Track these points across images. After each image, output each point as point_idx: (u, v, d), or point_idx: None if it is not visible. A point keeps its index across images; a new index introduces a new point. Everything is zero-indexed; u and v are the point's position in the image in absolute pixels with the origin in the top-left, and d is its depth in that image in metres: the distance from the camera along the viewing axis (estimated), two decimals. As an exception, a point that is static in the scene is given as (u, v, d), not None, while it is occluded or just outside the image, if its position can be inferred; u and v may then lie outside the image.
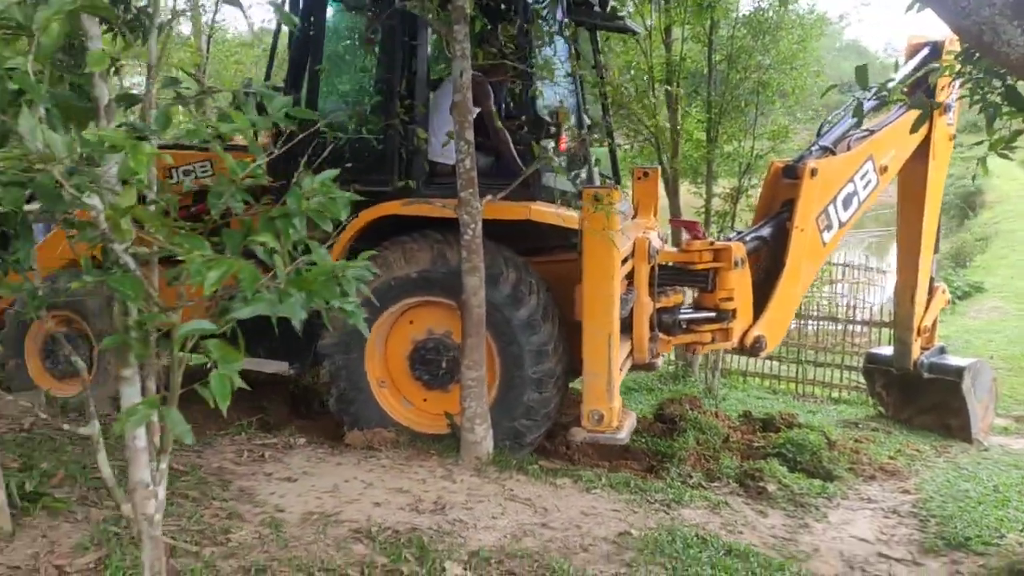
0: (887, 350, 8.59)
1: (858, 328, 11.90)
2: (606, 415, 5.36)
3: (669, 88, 10.00)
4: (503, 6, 5.51)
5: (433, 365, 5.78)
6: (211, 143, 1.80)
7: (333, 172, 1.87)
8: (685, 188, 11.02)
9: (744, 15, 10.11)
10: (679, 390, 9.29)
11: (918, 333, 7.81)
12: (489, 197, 5.24)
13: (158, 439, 2.15)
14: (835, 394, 10.91)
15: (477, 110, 5.29)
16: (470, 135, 5.09)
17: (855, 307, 12.41)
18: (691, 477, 5.78)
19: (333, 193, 1.80)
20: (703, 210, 10.53)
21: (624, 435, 5.50)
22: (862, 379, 10.50)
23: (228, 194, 1.70)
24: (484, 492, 4.88)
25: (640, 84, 9.74)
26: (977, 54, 4.97)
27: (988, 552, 4.71)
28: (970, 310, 16.77)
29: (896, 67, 6.72)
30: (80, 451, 4.82)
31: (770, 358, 11.55)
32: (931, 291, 7.88)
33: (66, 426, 2.25)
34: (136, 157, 1.48)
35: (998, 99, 4.73)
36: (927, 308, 7.84)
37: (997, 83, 4.61)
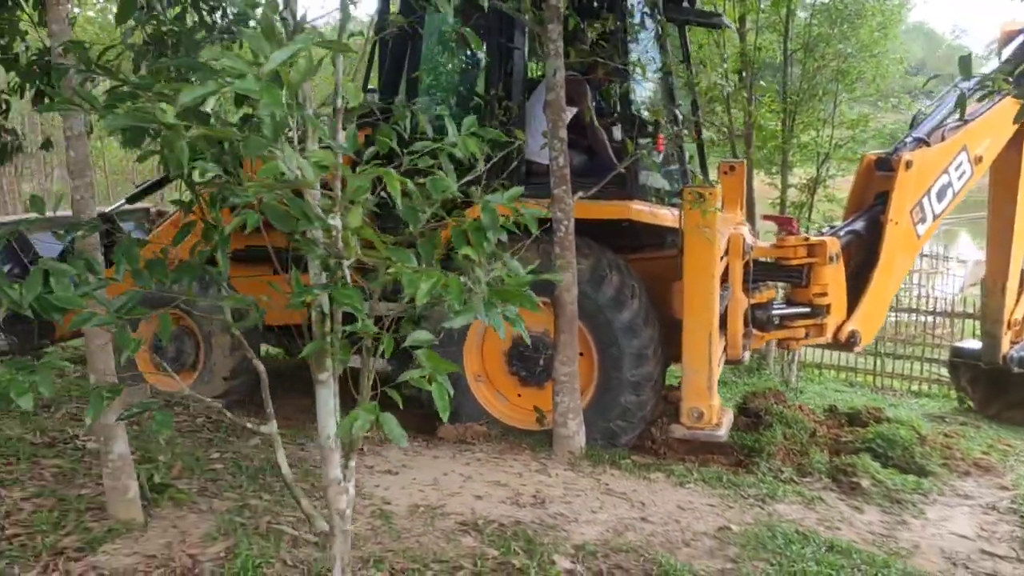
0: (973, 343, 8.41)
1: (936, 319, 11.67)
2: (706, 412, 5.39)
3: (743, 78, 9.89)
4: (596, 4, 5.53)
5: (530, 362, 5.86)
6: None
7: (519, 189, 1.94)
8: (759, 179, 10.90)
9: (821, 2, 9.92)
10: (755, 383, 9.22)
11: (1008, 327, 7.63)
12: (580, 194, 5.28)
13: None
14: (915, 387, 10.72)
15: (574, 109, 5.33)
16: (563, 133, 5.13)
17: (929, 298, 12.16)
18: (782, 472, 5.74)
19: (523, 208, 1.88)
20: (778, 201, 10.40)
21: (723, 432, 5.53)
22: (943, 372, 10.32)
23: (422, 210, 1.78)
24: (580, 486, 4.94)
25: (714, 75, 9.65)
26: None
27: (1097, 551, 4.61)
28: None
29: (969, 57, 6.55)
30: (192, 443, 5.01)
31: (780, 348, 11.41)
32: (1022, 283, 7.69)
33: (249, 425, 2.36)
34: (360, 179, 1.57)
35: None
36: (1018, 301, 7.66)
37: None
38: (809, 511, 5.08)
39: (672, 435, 5.69)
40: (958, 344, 8.82)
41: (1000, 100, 6.36)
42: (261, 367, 2.39)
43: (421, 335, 1.79)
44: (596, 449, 5.55)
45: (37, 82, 5.95)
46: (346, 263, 1.79)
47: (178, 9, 5.87)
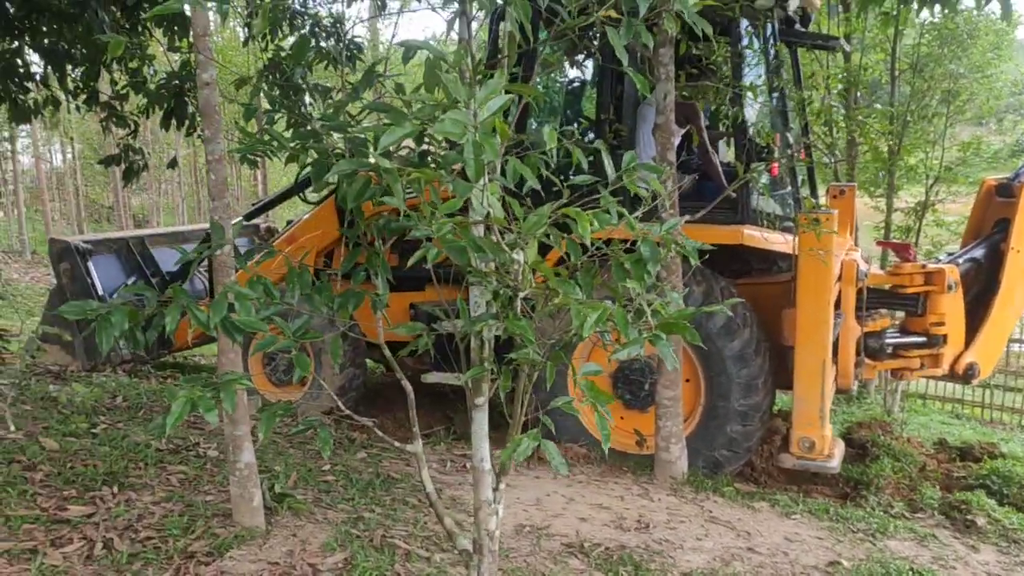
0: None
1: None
2: (817, 442, 5.28)
3: (847, 99, 9.69)
4: (712, 29, 5.52)
5: (635, 386, 5.85)
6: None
7: (679, 219, 1.98)
8: (862, 202, 10.62)
9: (931, 22, 9.65)
10: (858, 413, 8.96)
11: None
12: (687, 217, 5.24)
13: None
14: (1025, 421, 10.24)
15: (682, 131, 5.32)
16: (671, 156, 5.12)
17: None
18: (892, 507, 5.57)
19: (684, 240, 1.92)
20: (883, 224, 10.11)
21: (835, 464, 5.41)
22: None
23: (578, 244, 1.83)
24: (684, 513, 4.90)
25: (828, 97, 9.48)
26: None
27: None
28: None
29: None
30: (302, 455, 5.17)
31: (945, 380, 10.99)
32: None
33: (396, 444, 2.44)
34: (539, 215, 1.64)
35: None
36: None
37: None
38: (922, 548, 4.91)
39: (781, 464, 5.59)
40: (1077, 378, 8.40)
41: None
42: (409, 387, 2.46)
43: (591, 367, 1.84)
44: (698, 475, 5.50)
45: (166, 104, 6.31)
46: (520, 295, 1.85)
47: (296, 34, 6.15)
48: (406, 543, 3.87)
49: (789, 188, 6.14)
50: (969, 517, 5.48)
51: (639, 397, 5.84)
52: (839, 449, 5.59)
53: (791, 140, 5.88)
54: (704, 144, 5.71)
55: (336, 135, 1.83)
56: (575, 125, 6.56)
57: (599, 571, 3.94)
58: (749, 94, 5.40)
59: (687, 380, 5.74)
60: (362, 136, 1.80)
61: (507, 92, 1.54)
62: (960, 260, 5.99)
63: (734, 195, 5.33)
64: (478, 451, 2.25)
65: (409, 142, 1.85)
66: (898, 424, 8.49)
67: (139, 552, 3.46)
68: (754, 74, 5.51)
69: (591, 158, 2.36)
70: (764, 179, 5.69)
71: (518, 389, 2.08)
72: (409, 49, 1.82)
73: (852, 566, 4.36)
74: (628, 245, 2.05)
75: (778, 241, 5.55)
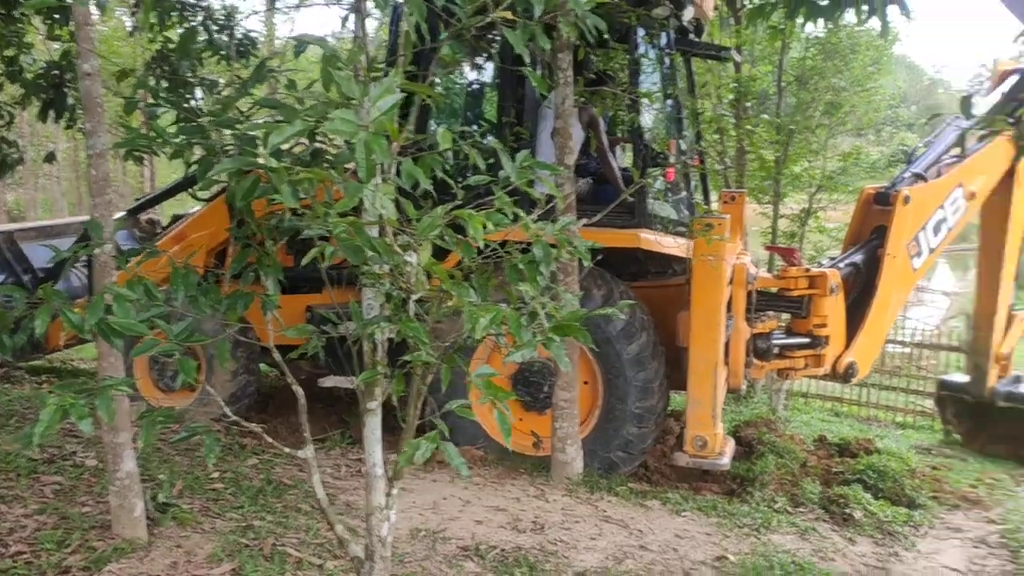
0: (959, 377, 8.51)
1: (921, 351, 11.79)
2: (710, 441, 5.44)
3: (737, 109, 10.04)
4: (606, 36, 5.61)
5: (534, 388, 5.88)
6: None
7: (572, 220, 1.98)
8: (750, 209, 11.02)
9: (816, 36, 10.10)
10: (745, 412, 9.27)
11: (995, 360, 7.74)
12: (584, 221, 5.31)
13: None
14: (899, 418, 10.81)
15: (583, 137, 5.38)
16: (570, 160, 5.17)
17: (915, 330, 12.29)
18: (775, 502, 5.78)
19: (575, 240, 1.92)
20: (770, 230, 10.52)
21: (726, 461, 5.58)
22: (927, 403, 10.43)
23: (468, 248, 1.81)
24: (578, 513, 4.96)
25: (719, 106, 9.80)
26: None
27: (1087, 587, 4.68)
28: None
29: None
30: (189, 462, 4.98)
31: (827, 380, 11.51)
32: (1009, 319, 7.81)
33: (286, 449, 2.36)
34: (434, 218, 1.61)
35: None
36: (1004, 335, 7.77)
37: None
38: (804, 542, 5.12)
39: (676, 463, 5.74)
40: (944, 377, 8.92)
41: (994, 139, 6.49)
42: (300, 391, 2.40)
43: (485, 368, 1.82)
44: (593, 476, 5.57)
45: (44, 95, 5.98)
46: (413, 297, 1.82)
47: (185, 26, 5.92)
48: (297, 551, 3.78)
49: (683, 193, 6.30)
50: (847, 511, 5.75)
51: (538, 399, 5.88)
52: (730, 447, 5.77)
53: (685, 147, 6.03)
54: (603, 149, 5.79)
55: (225, 132, 1.77)
56: (476, 128, 6.55)
57: (494, 573, 3.94)
58: (646, 101, 5.51)
59: (585, 382, 5.81)
60: (251, 133, 1.74)
61: (402, 91, 1.52)
62: (841, 265, 6.27)
63: (631, 199, 5.42)
64: (370, 456, 2.21)
65: (304, 139, 1.81)
66: (782, 422, 8.83)
67: (9, 568, 3.26)
68: (650, 81, 5.63)
69: (491, 160, 2.35)
70: (659, 184, 5.81)
71: (412, 392, 2.05)
72: (301, 44, 1.77)
73: (738, 560, 4.50)
74: (524, 247, 2.05)
75: (673, 245, 5.68)
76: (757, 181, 10.72)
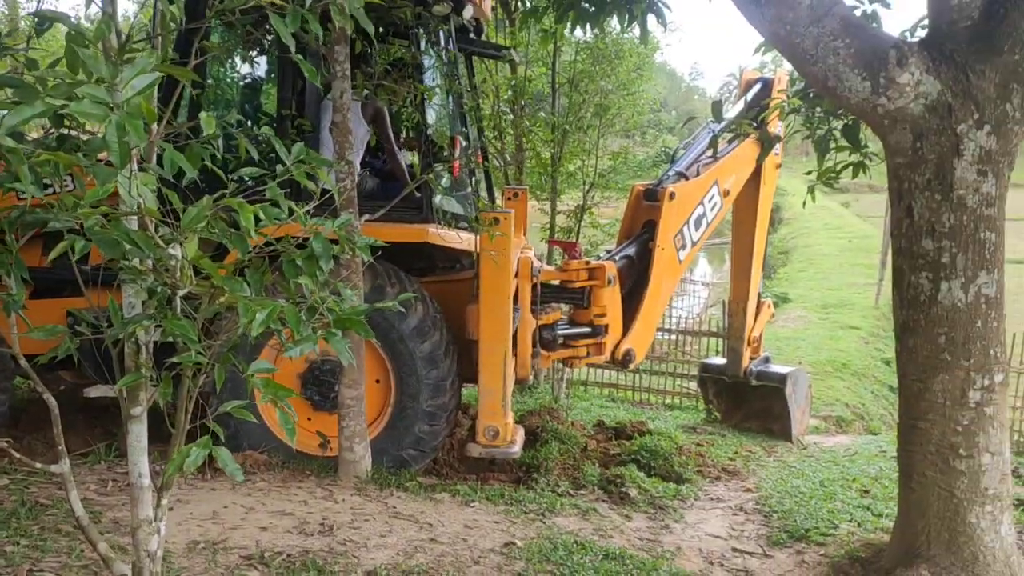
0: (718, 360, 9.30)
1: (685, 337, 12.74)
2: (502, 430, 5.57)
3: (515, 108, 10.33)
4: (383, 29, 5.56)
5: (324, 387, 5.72)
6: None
7: (349, 217, 1.92)
8: (530, 205, 11.39)
9: (585, 42, 10.59)
10: (529, 402, 9.58)
11: (748, 343, 8.50)
12: (367, 217, 5.26)
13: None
14: (668, 400, 11.61)
15: (369, 131, 5.32)
16: (350, 155, 5.10)
17: (680, 318, 13.26)
18: (559, 486, 6.02)
19: (354, 236, 1.86)
20: (548, 225, 10.92)
21: (517, 449, 5.74)
22: (691, 386, 11.29)
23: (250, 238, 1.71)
24: (368, 511, 4.90)
25: (498, 103, 10.03)
26: (812, 94, 5.57)
27: (826, 542, 5.24)
28: (779, 319, 18.29)
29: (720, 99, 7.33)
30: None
31: (608, 367, 12.16)
32: (758, 305, 8.61)
33: (38, 464, 2.12)
34: (201, 208, 1.48)
35: (835, 135, 5.33)
36: (755, 320, 8.56)
37: (836, 122, 5.19)
38: (585, 522, 5.37)
39: (469, 453, 5.85)
40: (705, 360, 9.70)
41: (743, 141, 7.14)
42: (53, 401, 2.18)
43: (262, 364, 1.74)
44: (383, 472, 5.53)
45: None
46: (180, 293, 1.70)
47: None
48: (58, 575, 3.46)
49: (468, 189, 6.40)
50: (623, 489, 6.10)
51: (328, 398, 5.74)
52: (520, 435, 5.95)
53: (467, 143, 6.13)
54: (390, 144, 5.76)
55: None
56: (255, 121, 6.28)
57: (281, 580, 3.81)
58: (426, 96, 5.54)
59: (377, 381, 5.76)
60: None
61: (163, 75, 1.42)
62: (617, 257, 6.65)
63: (418, 195, 5.44)
64: (135, 466, 2.06)
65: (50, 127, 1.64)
66: (564, 410, 9.22)
67: None
68: (431, 78, 5.67)
69: (271, 154, 2.26)
70: (445, 180, 5.87)
71: (181, 396, 1.93)
72: (43, 21, 1.61)
73: (525, 544, 4.64)
74: (301, 242, 1.99)
75: (460, 240, 5.76)
76: (535, 178, 11.10)
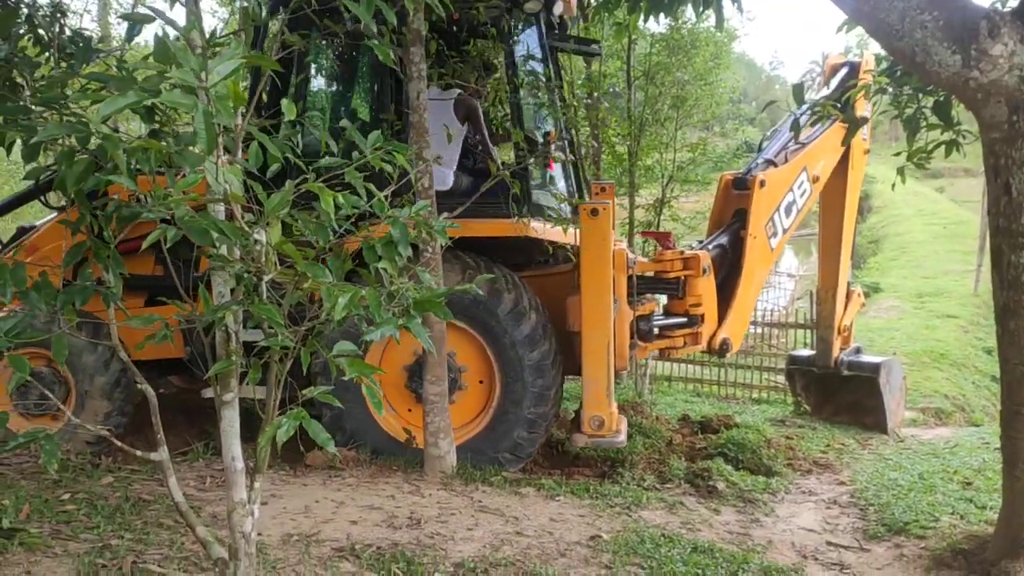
0: (806, 352, 9.06)
1: (772, 330, 12.48)
2: (607, 420, 5.61)
3: (590, 101, 10.28)
4: (463, 29, 5.64)
5: None
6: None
7: (425, 203, 1.95)
8: (609, 200, 11.33)
9: (660, 33, 10.49)
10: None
11: (838, 332, 8.27)
12: (445, 215, 5.31)
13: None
14: (755, 395, 11.38)
15: (465, 128, 5.41)
16: (428, 154, 5.16)
17: (767, 310, 12.99)
18: (644, 480, 5.97)
19: (432, 222, 1.89)
20: (627, 220, 10.84)
21: (623, 438, 5.78)
22: (779, 379, 11.04)
23: (332, 226, 1.76)
24: (454, 505, 4.95)
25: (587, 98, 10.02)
26: (900, 72, 5.38)
27: (926, 535, 5.05)
28: (870, 309, 17.72)
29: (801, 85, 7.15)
30: (36, 485, 4.67)
31: (692, 362, 12.01)
32: (848, 294, 8.36)
33: (139, 453, 2.22)
34: (282, 195, 1.53)
35: (925, 114, 5.13)
36: (845, 308, 8.31)
37: (925, 100, 5.00)
38: (672, 515, 5.30)
39: (575, 445, 5.89)
40: (793, 353, 9.47)
41: (831, 125, 6.95)
42: (151, 391, 2.27)
43: (345, 345, 1.78)
44: (467, 467, 5.58)
45: None
46: (265, 279, 1.75)
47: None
48: (160, 567, 3.60)
49: (560, 183, 6.43)
50: (711, 483, 6.01)
51: None
52: (624, 425, 5.96)
53: (562, 138, 6.14)
54: (484, 139, 5.85)
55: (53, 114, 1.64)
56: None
57: (371, 571, 3.88)
58: (525, 92, 5.60)
59: (480, 381, 5.90)
60: (80, 113, 1.62)
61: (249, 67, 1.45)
62: (710, 247, 6.58)
63: (514, 190, 5.51)
64: (229, 449, 2.12)
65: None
66: (648, 405, 9.15)
67: None
68: (526, 73, 5.74)
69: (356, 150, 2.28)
70: (539, 174, 5.91)
71: (270, 380, 1.98)
72: (134, 24, 1.68)
73: (611, 538, 4.61)
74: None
75: (559, 234, 5.81)
76: (611, 173, 11.04)
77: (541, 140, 5.81)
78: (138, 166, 1.61)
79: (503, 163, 5.99)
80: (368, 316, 1.68)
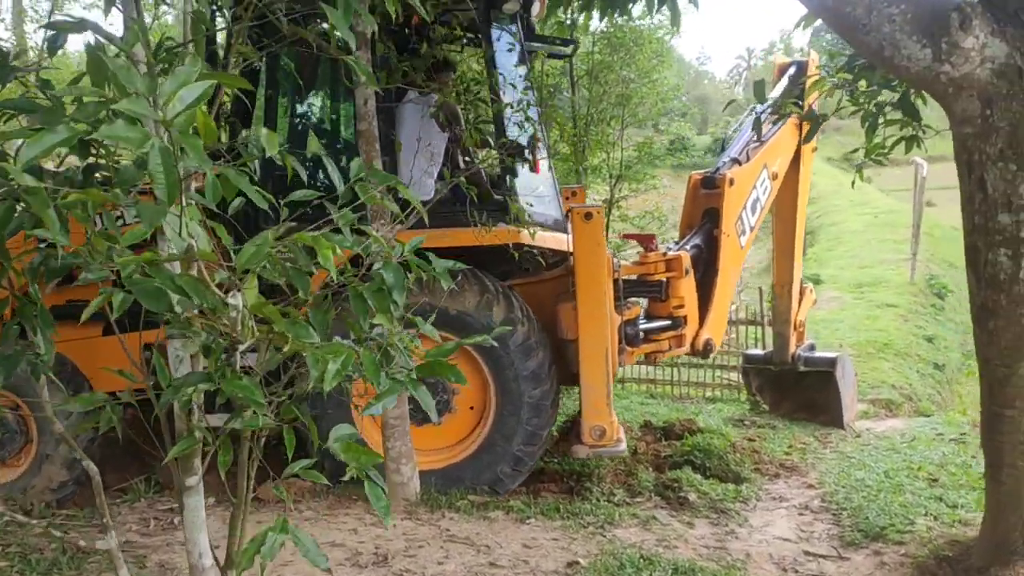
0: (760, 351, 9.00)
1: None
2: (608, 429, 5.43)
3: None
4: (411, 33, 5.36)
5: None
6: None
7: (421, 238, 1.67)
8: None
9: (602, 31, 10.32)
10: (570, 406, 9.31)
11: (794, 327, 8.21)
12: (399, 226, 5.03)
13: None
14: (708, 393, 11.28)
15: (446, 136, 5.17)
16: (378, 163, 4.86)
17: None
18: (614, 495, 5.77)
19: (434, 262, 1.61)
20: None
21: (623, 447, 5.64)
22: (734, 377, 10.96)
23: (310, 271, 1.46)
24: (421, 536, 4.68)
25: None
26: (858, 68, 5.28)
27: (905, 540, 4.95)
28: (811, 302, 17.84)
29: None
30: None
31: (643, 362, 11.85)
32: (801, 290, 8.31)
33: (82, 543, 1.89)
34: (260, 247, 1.23)
35: (884, 110, 5.04)
36: (800, 304, 8.26)
37: (885, 95, 4.90)
38: (647, 532, 5.11)
39: (576, 456, 5.73)
40: (747, 352, 9.40)
41: (784, 123, 6.88)
42: (94, 468, 1.94)
43: (344, 429, 1.49)
44: (431, 493, 5.30)
45: None
46: (240, 348, 1.45)
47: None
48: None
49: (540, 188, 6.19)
50: (681, 494, 5.84)
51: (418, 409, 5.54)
52: (622, 433, 5.78)
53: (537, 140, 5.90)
54: (466, 148, 5.58)
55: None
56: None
57: (339, 621, 3.59)
58: (504, 95, 5.37)
59: (472, 407, 5.71)
60: (-3, 147, 1.31)
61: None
62: (688, 247, 6.43)
63: (501, 197, 5.26)
64: (195, 545, 1.82)
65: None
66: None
67: None
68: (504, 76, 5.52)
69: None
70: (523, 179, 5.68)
71: (241, 462, 1.67)
72: (59, 34, 1.36)
73: (588, 563, 4.39)
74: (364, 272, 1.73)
75: (551, 239, 5.59)
76: (558, 174, 10.83)
77: (526, 144, 5.57)
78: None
79: (485, 170, 5.77)
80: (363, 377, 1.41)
